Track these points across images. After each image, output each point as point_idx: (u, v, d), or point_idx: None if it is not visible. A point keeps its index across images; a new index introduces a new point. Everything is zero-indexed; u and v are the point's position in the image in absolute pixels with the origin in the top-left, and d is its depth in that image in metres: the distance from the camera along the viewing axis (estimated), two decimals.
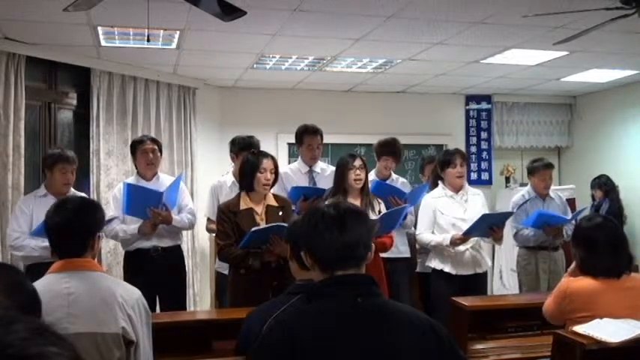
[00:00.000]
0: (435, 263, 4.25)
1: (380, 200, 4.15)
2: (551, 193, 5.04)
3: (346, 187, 4.01)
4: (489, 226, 4.05)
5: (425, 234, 4.25)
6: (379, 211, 3.99)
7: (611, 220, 2.88)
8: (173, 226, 4.26)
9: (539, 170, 4.95)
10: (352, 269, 1.63)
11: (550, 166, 5.01)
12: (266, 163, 3.68)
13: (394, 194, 4.45)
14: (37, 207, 3.92)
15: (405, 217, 4.37)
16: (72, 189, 4.12)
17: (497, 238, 4.18)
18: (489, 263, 4.40)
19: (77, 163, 4.14)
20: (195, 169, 6.26)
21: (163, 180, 4.43)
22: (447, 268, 4.18)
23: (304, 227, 1.71)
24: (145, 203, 4.08)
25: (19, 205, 4.05)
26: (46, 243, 3.75)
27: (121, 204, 4.19)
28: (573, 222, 4.55)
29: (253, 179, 3.67)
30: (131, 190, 4.08)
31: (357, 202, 3.85)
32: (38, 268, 3.43)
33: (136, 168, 4.46)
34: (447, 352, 1.58)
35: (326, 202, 1.82)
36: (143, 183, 4.34)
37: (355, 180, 3.97)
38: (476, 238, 4.19)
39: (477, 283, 4.20)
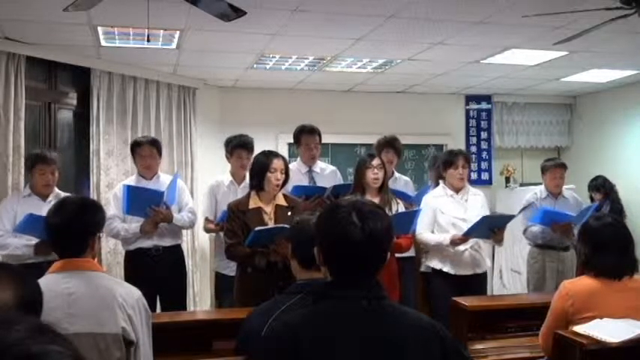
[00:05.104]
0: (434, 263, 4.25)
1: (399, 200, 4.17)
2: (566, 193, 5.06)
3: (364, 186, 4.05)
4: (490, 228, 4.04)
5: (425, 233, 4.24)
6: (396, 212, 4.00)
7: (620, 222, 2.89)
8: (174, 224, 4.28)
9: (550, 169, 5.02)
10: (368, 277, 1.60)
11: (562, 165, 5.06)
12: (276, 163, 3.67)
13: (400, 197, 4.36)
14: (21, 206, 3.99)
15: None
16: (56, 189, 4.15)
17: (498, 240, 4.20)
18: (489, 264, 4.39)
19: (57, 162, 4.17)
20: (195, 169, 6.25)
21: (163, 179, 4.48)
22: (446, 268, 4.18)
23: (327, 228, 1.63)
24: (146, 203, 4.11)
25: (3, 205, 4.10)
26: (30, 241, 3.79)
27: (121, 203, 4.21)
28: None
29: (263, 179, 3.66)
30: (131, 192, 4.10)
31: (375, 200, 3.83)
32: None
33: (137, 167, 4.52)
34: (451, 356, 1.58)
35: (346, 199, 1.74)
36: (143, 183, 4.38)
37: (373, 179, 4.03)
38: (475, 239, 4.19)
39: (476, 283, 4.20)
